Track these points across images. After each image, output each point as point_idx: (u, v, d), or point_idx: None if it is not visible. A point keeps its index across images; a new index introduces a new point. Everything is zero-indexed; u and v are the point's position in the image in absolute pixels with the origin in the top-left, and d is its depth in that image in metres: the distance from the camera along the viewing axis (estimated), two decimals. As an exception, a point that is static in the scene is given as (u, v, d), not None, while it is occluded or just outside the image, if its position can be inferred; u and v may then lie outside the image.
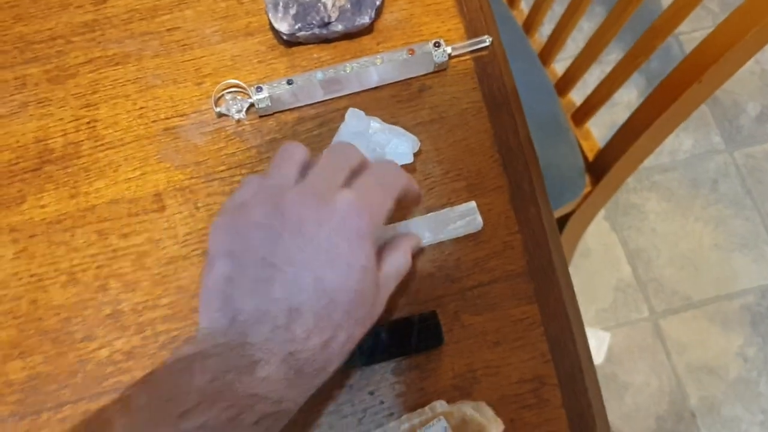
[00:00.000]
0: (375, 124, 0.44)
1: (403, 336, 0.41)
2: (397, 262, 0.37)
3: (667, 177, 1.26)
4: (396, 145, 0.42)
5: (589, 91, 0.78)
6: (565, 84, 0.83)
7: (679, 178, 1.26)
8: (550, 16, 0.83)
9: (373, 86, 0.48)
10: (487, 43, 0.49)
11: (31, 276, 0.44)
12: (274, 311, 0.32)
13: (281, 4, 0.46)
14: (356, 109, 0.45)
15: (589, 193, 0.80)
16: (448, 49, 0.48)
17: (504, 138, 0.47)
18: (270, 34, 0.50)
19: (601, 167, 0.78)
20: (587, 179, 0.80)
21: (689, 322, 1.16)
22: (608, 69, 0.74)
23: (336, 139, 0.44)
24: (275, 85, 0.46)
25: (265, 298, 0.32)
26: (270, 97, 0.46)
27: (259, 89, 0.46)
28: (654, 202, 1.24)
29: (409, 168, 0.46)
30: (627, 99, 1.26)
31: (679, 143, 1.29)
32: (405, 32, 0.50)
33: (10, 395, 0.41)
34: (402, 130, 0.44)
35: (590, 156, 0.81)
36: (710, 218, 1.23)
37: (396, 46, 0.49)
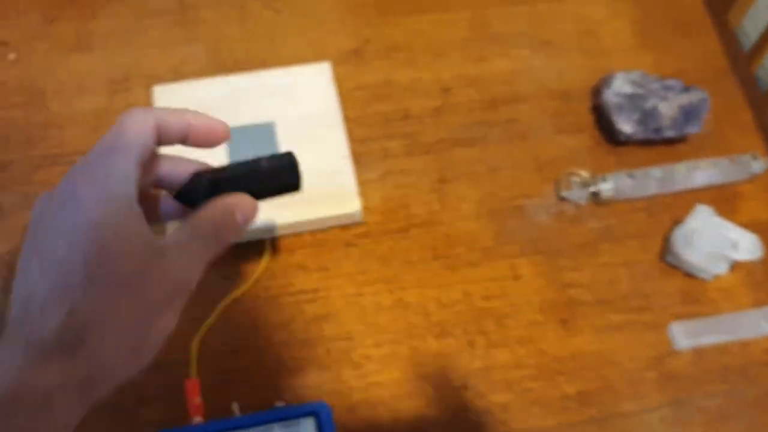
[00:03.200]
0: (717, 219, 0.49)
1: (252, 172, 0.34)
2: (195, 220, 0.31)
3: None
4: (750, 240, 0.47)
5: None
6: None
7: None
8: None
9: (696, 187, 0.52)
10: (794, 160, 0.53)
11: (408, 323, 0.48)
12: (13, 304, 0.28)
13: (626, 109, 0.52)
14: (705, 206, 0.49)
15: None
16: (764, 163, 0.53)
17: (813, 244, 0.52)
18: (597, 132, 0.56)
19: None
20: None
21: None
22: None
23: (685, 227, 0.48)
24: (618, 177, 0.51)
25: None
26: (616, 186, 0.51)
27: (604, 180, 0.51)
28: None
29: (745, 264, 0.49)
30: None
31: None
32: (714, 143, 0.55)
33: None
34: (742, 229, 0.49)
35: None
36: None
37: (707, 155, 0.54)
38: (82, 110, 0.54)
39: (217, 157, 0.48)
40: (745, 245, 0.47)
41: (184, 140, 0.33)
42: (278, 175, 0.34)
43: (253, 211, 0.33)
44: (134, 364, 0.29)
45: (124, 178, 0.29)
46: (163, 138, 0.32)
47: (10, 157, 0.52)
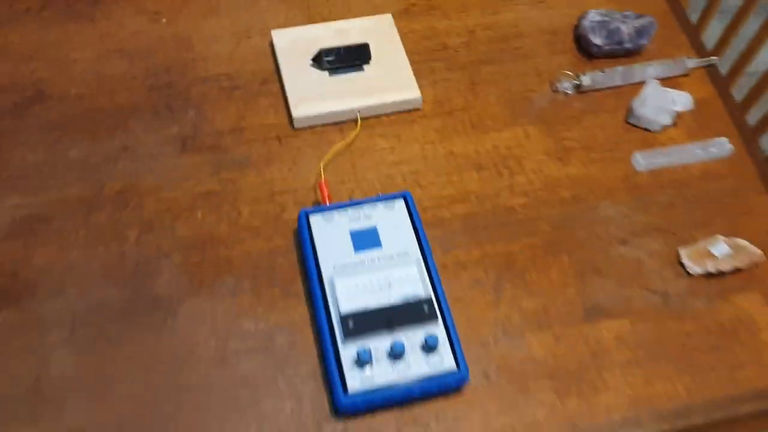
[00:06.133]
0: (662, 87, 0.78)
1: (346, 49, 0.78)
2: None
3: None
4: (685, 97, 0.76)
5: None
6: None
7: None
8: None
9: (646, 79, 0.82)
10: (714, 62, 0.84)
11: (457, 163, 0.76)
12: None
13: (597, 29, 0.82)
14: (654, 80, 0.79)
15: None
16: (695, 62, 0.83)
17: (734, 111, 0.81)
18: (577, 53, 0.86)
19: None
20: None
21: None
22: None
23: (641, 95, 0.78)
24: (594, 73, 0.81)
25: None
26: (592, 78, 0.81)
27: (585, 74, 0.81)
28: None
29: (682, 117, 0.78)
30: None
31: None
32: (660, 52, 0.86)
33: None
34: (679, 90, 0.78)
35: None
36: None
37: (652, 60, 0.84)
38: (219, 51, 0.85)
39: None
40: (681, 100, 0.76)
41: None
42: (359, 52, 0.78)
43: None
44: None
45: None
46: None
47: (172, 79, 0.82)
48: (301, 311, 0.66)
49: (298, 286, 0.67)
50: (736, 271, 0.68)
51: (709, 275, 0.68)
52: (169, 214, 0.71)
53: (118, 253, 0.68)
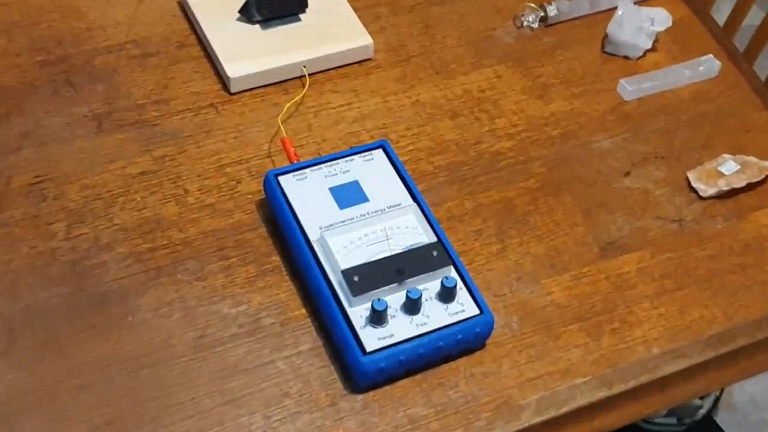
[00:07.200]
0: (637, 6, 0.97)
1: None
2: None
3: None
4: (662, 13, 0.95)
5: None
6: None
7: None
8: None
9: (616, 3, 1.01)
10: (682, -18, 1.04)
11: (427, 113, 0.91)
12: None
13: (553, -45, 1.01)
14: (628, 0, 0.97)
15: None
16: None
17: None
18: (534, -15, 1.04)
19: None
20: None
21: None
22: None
23: (616, 19, 0.96)
24: (560, 2, 0.99)
25: None
26: (558, 8, 0.99)
27: (550, 5, 0.99)
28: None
29: (662, 39, 0.97)
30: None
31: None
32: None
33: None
34: (655, 8, 0.97)
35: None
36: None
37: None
38: (116, 16, 0.96)
39: None
40: (659, 18, 0.95)
41: None
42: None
43: None
44: None
45: None
46: None
47: (66, 52, 0.92)
48: (286, 287, 0.77)
49: (277, 261, 0.78)
50: (749, 187, 0.86)
51: (722, 195, 0.85)
52: (100, 201, 0.81)
53: (48, 251, 0.77)
